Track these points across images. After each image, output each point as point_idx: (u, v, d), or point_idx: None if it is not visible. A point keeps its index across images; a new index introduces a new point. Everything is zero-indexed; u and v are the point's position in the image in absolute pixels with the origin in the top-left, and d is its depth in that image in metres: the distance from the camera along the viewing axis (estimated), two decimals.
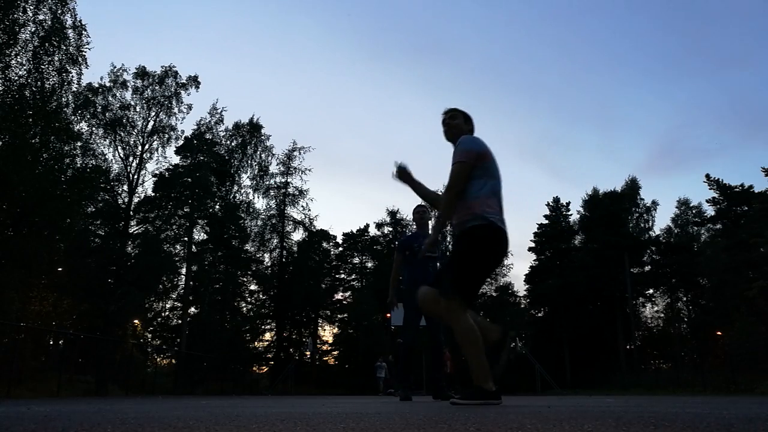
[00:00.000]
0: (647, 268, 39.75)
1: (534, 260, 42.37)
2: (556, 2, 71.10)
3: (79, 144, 19.34)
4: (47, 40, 16.27)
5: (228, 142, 33.92)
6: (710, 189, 33.71)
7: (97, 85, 23.78)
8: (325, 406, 3.09)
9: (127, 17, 65.27)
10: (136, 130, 24.30)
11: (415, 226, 5.65)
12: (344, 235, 40.58)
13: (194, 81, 26.07)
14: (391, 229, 40.55)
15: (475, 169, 3.11)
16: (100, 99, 23.66)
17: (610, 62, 71.21)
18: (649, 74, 71.24)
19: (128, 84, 24.70)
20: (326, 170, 70.43)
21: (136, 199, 23.96)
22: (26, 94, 15.70)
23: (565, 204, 42.96)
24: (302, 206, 36.27)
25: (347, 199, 67.07)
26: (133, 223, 24.09)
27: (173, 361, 27.67)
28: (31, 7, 16.13)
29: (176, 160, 28.39)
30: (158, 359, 29.83)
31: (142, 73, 25.00)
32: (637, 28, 71.33)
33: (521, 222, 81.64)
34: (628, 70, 71.01)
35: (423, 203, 5.04)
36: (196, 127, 30.34)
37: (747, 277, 25.65)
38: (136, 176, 23.77)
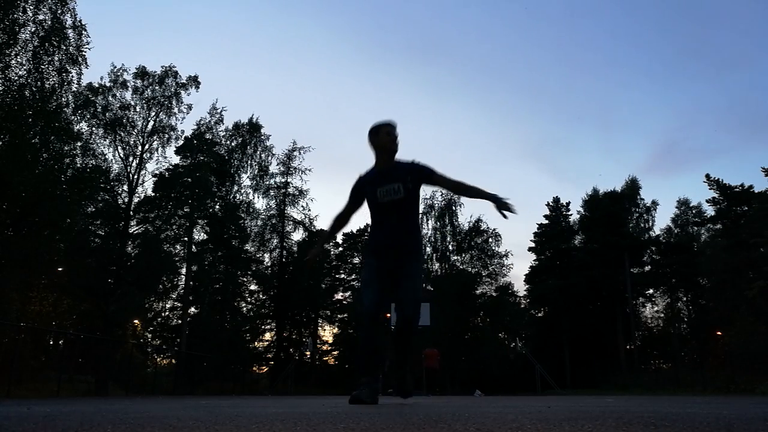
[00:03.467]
0: (647, 268, 39.74)
1: (534, 260, 42.39)
2: (557, 4, 71.08)
3: (79, 144, 19.31)
4: (47, 40, 16.24)
5: (228, 142, 33.90)
6: (710, 189, 33.70)
7: (97, 85, 23.75)
8: (325, 406, 3.08)
9: (127, 17, 65.31)
10: (136, 130, 24.28)
11: (374, 158, 3.74)
12: (344, 235, 40.57)
13: (194, 81, 26.04)
14: None
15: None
16: (100, 99, 23.62)
17: (611, 64, 71.26)
18: (649, 76, 71.30)
19: (128, 84, 24.66)
20: (326, 170, 70.49)
21: (136, 199, 23.93)
22: (26, 94, 15.68)
23: (565, 204, 42.96)
24: (302, 206, 36.28)
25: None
26: (133, 223, 24.06)
27: (173, 361, 27.66)
28: (31, 7, 16.11)
29: (176, 160, 28.37)
30: (158, 359, 29.84)
31: (142, 73, 24.97)
32: (637, 30, 71.35)
33: (521, 222, 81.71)
34: (628, 72, 71.10)
35: (392, 122, 3.69)
36: (196, 127, 30.31)
37: (747, 277, 25.66)
38: (136, 176, 23.76)
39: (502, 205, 3.37)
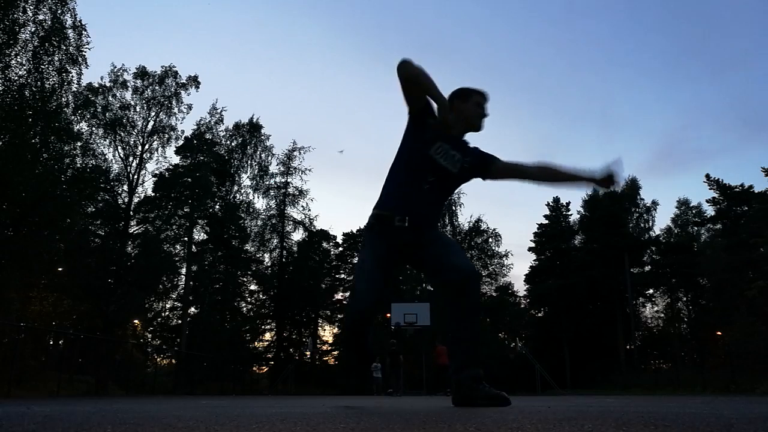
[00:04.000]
0: (647, 268, 39.77)
1: (534, 260, 42.42)
2: (558, 3, 71.12)
3: (79, 144, 19.33)
4: (47, 40, 16.25)
5: (228, 142, 33.98)
6: (710, 189, 33.72)
7: (97, 85, 23.80)
8: (325, 406, 3.08)
9: (127, 17, 65.34)
10: (136, 130, 24.33)
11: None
12: (344, 235, 40.60)
13: (194, 81, 26.10)
14: None
15: None
16: (100, 99, 23.67)
17: (611, 64, 71.24)
18: (649, 76, 71.32)
19: (128, 84, 24.72)
20: (326, 170, 70.49)
21: (136, 199, 23.98)
22: (26, 94, 15.69)
23: (565, 204, 43.01)
24: (302, 206, 36.33)
25: (347, 199, 67.11)
26: (133, 223, 24.10)
27: (173, 361, 27.68)
28: (31, 7, 16.12)
29: (176, 160, 28.44)
30: (158, 359, 29.85)
31: (142, 73, 25.01)
32: (637, 30, 71.34)
33: (521, 222, 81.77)
34: (628, 72, 71.07)
35: (486, 93, 2.90)
36: (196, 127, 30.38)
37: (747, 277, 25.64)
38: (136, 176, 23.80)
39: (605, 180, 2.73)
